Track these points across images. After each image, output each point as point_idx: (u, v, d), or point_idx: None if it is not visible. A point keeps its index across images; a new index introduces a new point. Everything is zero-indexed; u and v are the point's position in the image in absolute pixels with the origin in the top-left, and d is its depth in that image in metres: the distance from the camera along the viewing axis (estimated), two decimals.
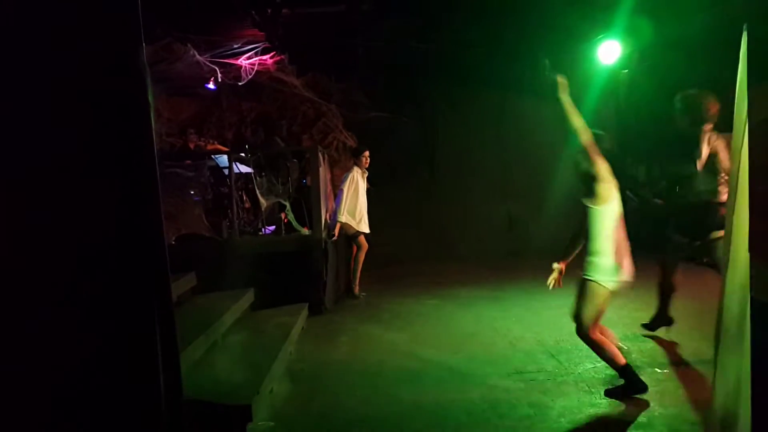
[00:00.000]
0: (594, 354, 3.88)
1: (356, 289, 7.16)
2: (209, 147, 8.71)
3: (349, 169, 7.29)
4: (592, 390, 3.96)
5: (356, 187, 7.14)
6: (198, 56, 8.95)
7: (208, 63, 9.11)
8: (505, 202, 10.01)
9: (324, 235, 6.74)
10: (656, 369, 4.33)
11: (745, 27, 2.45)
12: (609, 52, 7.94)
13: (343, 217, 7.02)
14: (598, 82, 8.79)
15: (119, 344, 1.83)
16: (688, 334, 5.09)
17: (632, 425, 3.45)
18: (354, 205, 7.11)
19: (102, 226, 1.84)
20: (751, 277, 2.25)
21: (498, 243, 9.68)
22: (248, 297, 5.98)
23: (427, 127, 10.38)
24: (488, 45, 8.75)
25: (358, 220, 7.13)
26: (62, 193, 1.80)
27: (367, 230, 7.26)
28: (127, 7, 1.87)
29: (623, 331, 5.24)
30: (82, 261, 1.80)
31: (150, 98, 1.90)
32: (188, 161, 7.49)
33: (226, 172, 7.15)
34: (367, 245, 7.26)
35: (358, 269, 7.19)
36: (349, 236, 7.21)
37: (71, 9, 1.80)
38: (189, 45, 8.68)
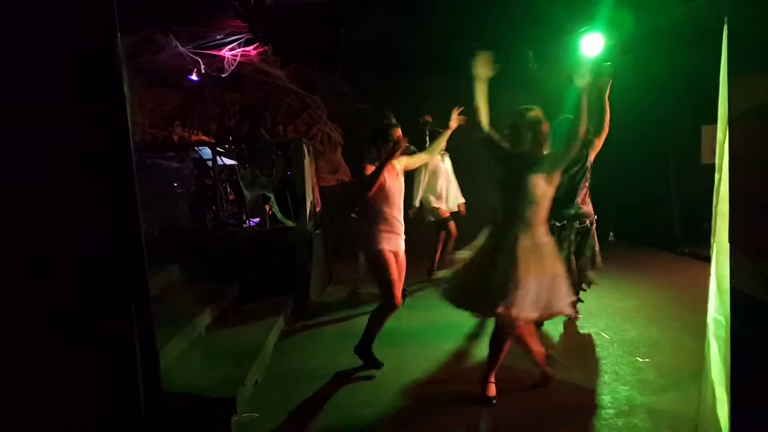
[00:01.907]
0: (575, 344, 3.92)
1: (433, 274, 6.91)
2: (193, 138, 8.64)
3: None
4: (576, 379, 4.00)
5: (435, 169, 7.09)
6: (180, 47, 8.86)
7: (190, 54, 9.02)
8: (490, 193, 10.02)
9: (309, 226, 6.73)
10: (637, 358, 4.38)
11: (725, 19, 2.47)
12: (592, 44, 7.96)
13: (432, 203, 6.99)
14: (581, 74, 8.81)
15: (97, 341, 1.81)
16: (668, 324, 5.15)
17: (614, 413, 3.49)
18: (433, 187, 7.06)
19: (76, 222, 1.81)
20: (732, 267, 2.27)
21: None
22: (232, 289, 5.96)
23: (411, 118, 10.35)
24: (472, 37, 8.74)
25: (443, 200, 7.07)
26: (34, 189, 1.77)
27: (454, 208, 7.20)
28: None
29: (605, 321, 5.28)
30: (56, 258, 1.78)
31: (126, 90, 1.87)
32: (171, 153, 7.42)
33: (210, 164, 7.10)
34: (455, 232, 7.13)
35: (444, 254, 7.08)
36: (440, 222, 7.13)
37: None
38: (171, 36, 8.59)
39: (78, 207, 1.83)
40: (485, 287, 3.45)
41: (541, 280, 3.40)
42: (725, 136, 2.49)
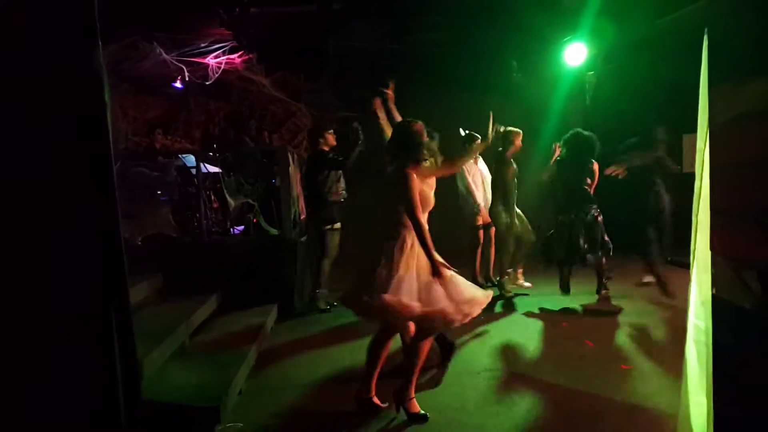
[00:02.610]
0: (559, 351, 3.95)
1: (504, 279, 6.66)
2: (176, 146, 8.59)
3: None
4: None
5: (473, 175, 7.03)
6: (165, 55, 8.83)
7: (174, 62, 8.99)
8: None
9: (294, 234, 6.70)
10: (620, 365, 4.40)
11: (705, 30, 2.50)
12: (575, 53, 8.05)
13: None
14: (564, 83, 8.91)
15: (75, 352, 1.79)
16: (651, 331, 5.19)
17: (595, 417, 3.50)
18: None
19: (56, 231, 1.79)
20: (712, 275, 2.29)
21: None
22: (216, 298, 5.91)
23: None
24: (457, 46, 8.80)
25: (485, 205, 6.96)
26: (12, 197, 1.75)
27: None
28: (81, 5, 1.82)
29: (589, 328, 5.31)
30: (35, 267, 1.76)
31: (107, 98, 1.85)
32: (154, 160, 7.37)
33: (194, 171, 7.05)
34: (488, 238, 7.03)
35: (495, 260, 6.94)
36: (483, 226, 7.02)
37: (21, 6, 1.75)
38: (155, 43, 8.56)
39: (56, 213, 1.81)
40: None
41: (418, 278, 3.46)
42: (705, 145, 2.52)
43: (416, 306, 3.40)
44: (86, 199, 1.83)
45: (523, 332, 5.31)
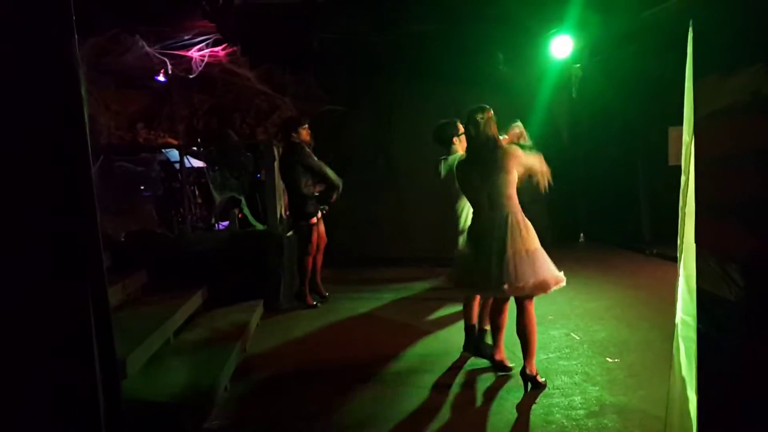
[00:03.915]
0: (545, 345, 3.98)
1: None
2: (160, 141, 8.49)
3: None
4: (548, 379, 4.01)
5: None
6: (147, 48, 8.71)
7: (157, 54, 8.88)
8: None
9: (280, 229, 6.65)
10: (607, 358, 4.41)
11: (690, 22, 2.49)
12: (561, 46, 8.05)
13: None
14: (551, 76, 8.90)
15: (54, 354, 1.75)
16: (636, 324, 5.20)
17: (584, 413, 3.50)
18: None
19: (31, 228, 1.74)
20: (698, 268, 2.29)
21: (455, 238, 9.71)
22: (201, 294, 5.86)
23: (384, 120, 10.34)
24: (443, 39, 8.77)
25: None
26: None
27: None
28: None
29: (575, 322, 5.32)
30: (10, 266, 1.71)
31: (83, 93, 1.80)
32: (138, 155, 7.29)
33: (178, 166, 6.98)
34: None
35: None
36: None
37: None
38: (137, 36, 8.45)
39: (33, 215, 1.76)
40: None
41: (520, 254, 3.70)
42: (691, 138, 2.51)
43: (529, 282, 3.69)
44: (62, 196, 1.78)
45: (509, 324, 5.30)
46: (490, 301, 4.29)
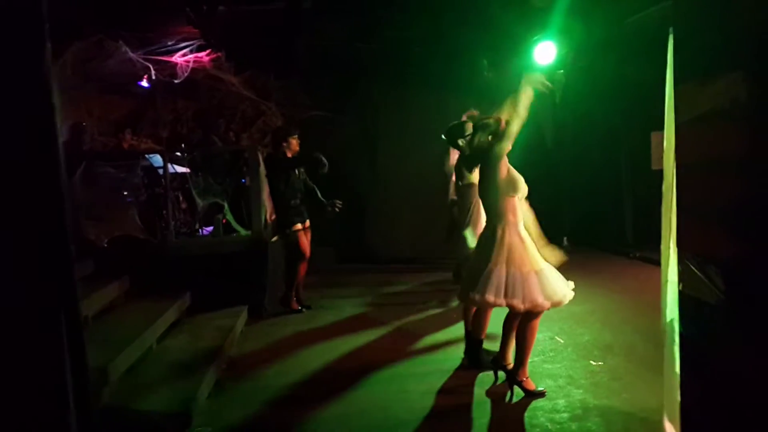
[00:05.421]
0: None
1: None
2: (143, 146, 8.44)
3: None
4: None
5: None
6: (131, 53, 8.67)
7: (141, 60, 8.84)
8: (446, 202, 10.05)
9: (265, 235, 6.62)
10: (590, 361, 4.43)
11: (670, 29, 2.52)
12: (545, 52, 8.10)
13: None
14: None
15: (24, 365, 1.72)
16: (620, 327, 5.24)
17: (568, 417, 3.52)
18: None
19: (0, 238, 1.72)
20: (680, 271, 2.31)
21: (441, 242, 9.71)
22: (185, 300, 5.82)
23: (369, 126, 10.35)
24: (428, 44, 8.81)
25: None
26: None
27: None
28: (26, 3, 1.74)
29: (560, 325, 5.34)
30: None
31: (54, 101, 1.77)
32: (121, 161, 7.23)
33: (161, 171, 6.93)
34: None
35: None
36: None
37: None
38: (121, 42, 8.40)
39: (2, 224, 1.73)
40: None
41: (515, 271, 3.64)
42: (671, 144, 2.54)
43: (516, 302, 3.60)
44: (33, 207, 1.76)
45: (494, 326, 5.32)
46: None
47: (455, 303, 6.01)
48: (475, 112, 4.65)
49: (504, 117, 3.82)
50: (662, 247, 2.87)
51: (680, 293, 2.31)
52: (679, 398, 2.46)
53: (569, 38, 7.76)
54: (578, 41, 7.73)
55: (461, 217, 4.74)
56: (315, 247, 6.77)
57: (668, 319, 2.72)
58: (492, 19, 7.82)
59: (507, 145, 3.76)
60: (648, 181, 8.09)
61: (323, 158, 6.24)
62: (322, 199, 6.57)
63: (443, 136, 4.73)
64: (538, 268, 3.68)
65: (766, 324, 1.81)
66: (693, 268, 2.18)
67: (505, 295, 3.61)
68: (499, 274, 3.64)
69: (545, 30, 7.74)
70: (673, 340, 2.62)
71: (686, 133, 2.30)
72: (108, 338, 4.27)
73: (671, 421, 2.75)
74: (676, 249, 2.41)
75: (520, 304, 3.60)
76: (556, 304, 3.69)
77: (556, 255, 3.95)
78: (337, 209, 6.54)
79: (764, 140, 1.82)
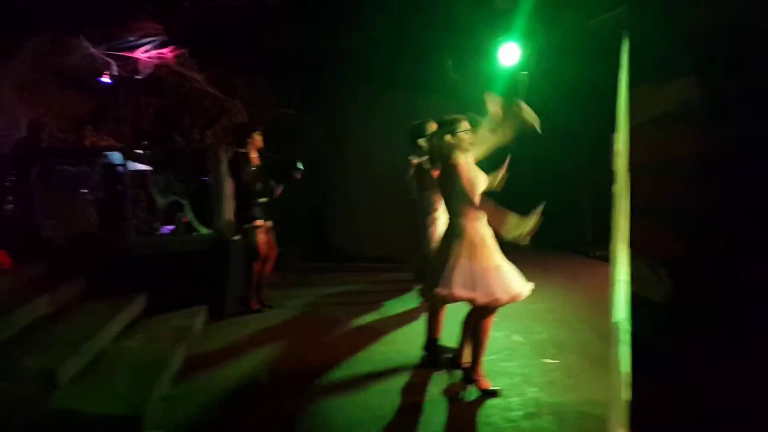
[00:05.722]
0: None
1: None
2: (104, 143, 8.27)
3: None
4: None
5: None
6: (92, 49, 8.50)
7: (102, 56, 8.68)
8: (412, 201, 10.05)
9: (227, 233, 6.53)
10: (546, 360, 4.48)
11: (625, 33, 2.55)
12: (509, 53, 8.17)
13: None
14: (499, 82, 9.02)
15: None
16: (577, 326, 5.31)
17: (521, 415, 3.55)
18: None
19: None
20: (631, 272, 2.34)
21: (410, 243, 9.69)
22: (142, 300, 5.71)
23: (336, 125, 10.30)
24: (394, 45, 8.82)
25: None
26: None
27: None
28: None
29: (517, 323, 5.37)
30: None
31: None
32: (80, 158, 7.07)
33: (121, 169, 6.78)
34: None
35: None
36: None
37: None
38: (82, 37, 8.23)
39: None
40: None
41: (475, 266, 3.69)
42: (624, 146, 2.57)
43: (477, 295, 3.66)
44: None
45: (451, 325, 5.32)
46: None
47: (417, 301, 6.02)
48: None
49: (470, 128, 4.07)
50: (612, 246, 2.92)
51: (632, 294, 2.35)
52: (625, 397, 2.50)
53: (532, 41, 7.84)
54: (540, 44, 7.83)
55: (420, 220, 4.81)
56: (279, 246, 6.69)
57: (617, 319, 2.76)
58: (457, 21, 7.87)
59: (467, 157, 3.94)
60: (607, 182, 8.17)
61: (301, 166, 6.22)
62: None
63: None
64: (497, 263, 3.74)
65: (715, 324, 1.85)
66: (643, 268, 2.21)
67: (468, 289, 3.64)
68: (463, 268, 3.68)
69: (509, 32, 7.81)
70: (621, 340, 2.66)
71: (640, 135, 2.33)
72: (59, 340, 4.17)
73: (617, 418, 2.79)
74: (625, 249, 2.44)
75: (480, 298, 3.64)
76: (514, 298, 3.74)
77: (532, 221, 3.95)
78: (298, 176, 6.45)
79: (715, 142, 1.86)
